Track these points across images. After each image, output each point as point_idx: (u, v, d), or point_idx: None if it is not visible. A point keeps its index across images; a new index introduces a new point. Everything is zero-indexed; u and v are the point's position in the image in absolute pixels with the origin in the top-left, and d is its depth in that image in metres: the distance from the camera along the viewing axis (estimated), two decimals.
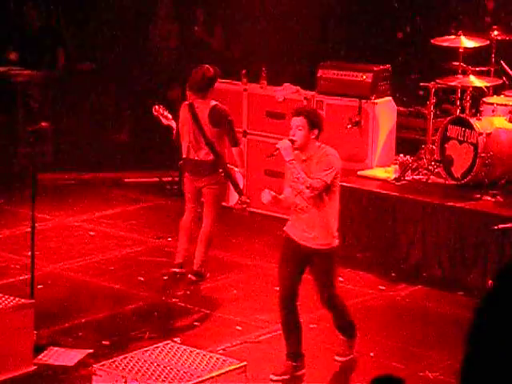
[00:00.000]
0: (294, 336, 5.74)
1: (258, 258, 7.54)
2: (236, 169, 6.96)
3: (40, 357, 5.60)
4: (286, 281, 5.72)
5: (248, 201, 7.02)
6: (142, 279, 6.97)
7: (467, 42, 7.48)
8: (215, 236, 6.98)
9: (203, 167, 6.78)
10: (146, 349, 5.16)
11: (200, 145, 6.82)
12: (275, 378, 5.63)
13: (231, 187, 6.94)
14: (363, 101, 8.06)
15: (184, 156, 6.89)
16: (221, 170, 6.81)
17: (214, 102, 6.95)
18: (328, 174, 5.55)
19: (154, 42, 10.70)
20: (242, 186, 7.02)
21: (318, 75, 8.34)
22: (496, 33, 7.64)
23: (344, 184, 7.68)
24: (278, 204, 5.74)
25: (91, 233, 8.04)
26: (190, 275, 6.78)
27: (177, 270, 6.80)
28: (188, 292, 6.75)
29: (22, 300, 5.34)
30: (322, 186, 5.54)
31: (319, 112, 5.90)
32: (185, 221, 6.91)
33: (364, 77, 8.12)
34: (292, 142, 5.56)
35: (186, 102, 6.98)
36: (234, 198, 6.95)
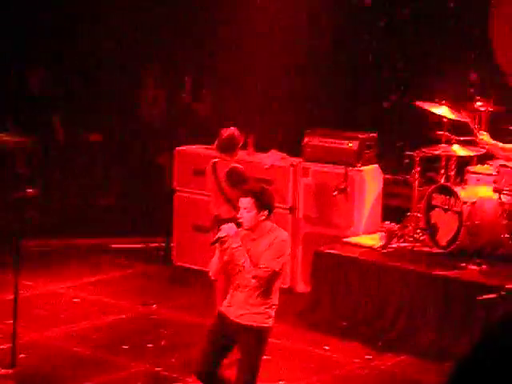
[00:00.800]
0: None
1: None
2: None
3: None
4: (204, 353, 5.44)
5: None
6: (127, 347, 6.89)
7: (450, 114, 7.58)
8: None
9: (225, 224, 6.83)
10: None
11: (220, 201, 7.03)
12: None
13: None
14: (349, 168, 8.11)
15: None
16: None
17: (234, 164, 7.15)
18: (278, 261, 5.34)
19: (142, 106, 10.79)
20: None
21: (304, 142, 8.41)
22: (479, 103, 7.75)
23: (329, 251, 7.71)
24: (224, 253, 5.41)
25: (75, 300, 7.97)
26: None
27: None
28: (173, 360, 6.68)
29: (3, 370, 5.26)
30: (269, 275, 5.32)
31: (269, 191, 5.60)
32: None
33: (350, 144, 8.19)
34: (239, 224, 5.35)
35: (212, 161, 7.26)
36: None
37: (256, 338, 5.38)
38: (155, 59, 10.81)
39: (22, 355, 6.37)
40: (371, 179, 8.25)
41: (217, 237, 5.39)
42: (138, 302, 7.87)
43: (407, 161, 8.21)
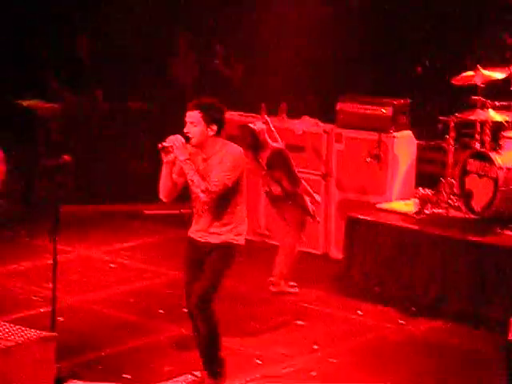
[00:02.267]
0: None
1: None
2: None
3: None
4: (188, 285, 5.36)
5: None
6: (162, 311, 6.99)
7: (486, 76, 7.50)
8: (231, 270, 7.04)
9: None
10: (165, 382, 5.19)
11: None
12: None
13: None
14: (382, 134, 8.09)
15: None
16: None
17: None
18: (229, 175, 5.07)
19: (174, 75, 10.81)
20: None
21: (338, 108, 8.40)
22: None
23: (362, 217, 7.72)
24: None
25: (111, 265, 8.09)
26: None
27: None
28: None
29: (44, 333, 5.37)
30: (219, 189, 5.05)
31: (219, 105, 5.23)
32: None
33: (383, 110, 8.16)
34: (187, 139, 5.06)
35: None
36: None
37: (221, 252, 5.22)
38: (187, 27, 10.81)
39: (60, 319, 6.49)
40: (405, 145, 8.22)
41: (161, 146, 5.13)
42: (173, 268, 7.96)
43: (441, 126, 8.17)
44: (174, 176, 5.30)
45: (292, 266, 7.43)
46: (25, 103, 9.85)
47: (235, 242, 5.27)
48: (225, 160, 5.09)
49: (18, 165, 9.39)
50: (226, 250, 5.27)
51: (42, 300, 6.92)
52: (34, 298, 7.13)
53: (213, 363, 5.31)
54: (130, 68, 10.42)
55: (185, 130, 5.10)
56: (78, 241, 8.59)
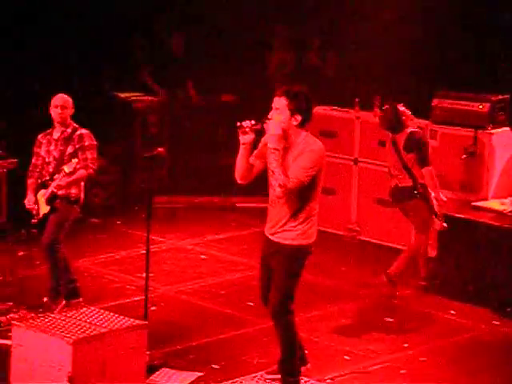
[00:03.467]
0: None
1: (367, 287, 7.49)
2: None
3: (152, 377, 5.73)
4: (262, 288, 5.23)
5: None
6: (252, 304, 7.03)
7: None
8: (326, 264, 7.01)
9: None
10: (254, 374, 5.22)
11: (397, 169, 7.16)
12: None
13: None
14: (479, 131, 7.93)
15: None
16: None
17: (412, 129, 7.25)
18: (307, 173, 4.88)
19: (271, 69, 10.84)
20: None
21: (433, 104, 8.27)
22: None
23: (458, 215, 7.58)
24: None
25: (203, 256, 8.18)
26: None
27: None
28: (297, 319, 6.77)
29: (137, 321, 5.48)
30: (295, 186, 4.85)
31: (308, 96, 5.02)
32: None
33: (481, 106, 8.00)
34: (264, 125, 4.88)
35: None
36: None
37: (287, 257, 5.01)
38: (283, 21, 10.82)
39: (153, 308, 6.62)
40: (502, 142, 8.04)
41: (239, 124, 4.97)
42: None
43: None
44: (252, 159, 5.13)
45: (406, 266, 7.24)
46: (122, 95, 10.04)
47: (299, 243, 5.07)
48: (305, 155, 4.92)
49: (116, 156, 9.61)
50: (292, 256, 5.08)
51: (136, 289, 7.07)
52: (128, 287, 7.28)
53: (287, 370, 5.22)
54: (223, 62, 10.50)
55: (269, 116, 4.96)
56: (171, 232, 8.73)
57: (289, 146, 4.94)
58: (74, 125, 6.65)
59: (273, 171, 4.91)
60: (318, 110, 9.08)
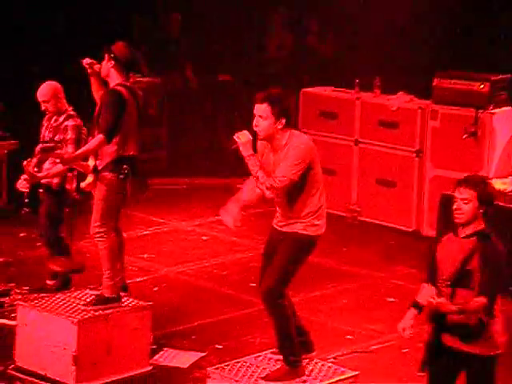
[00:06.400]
0: None
1: (368, 267, 7.51)
2: None
3: (155, 358, 5.75)
4: (262, 270, 5.19)
5: None
6: (254, 285, 7.04)
7: None
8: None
9: None
10: (258, 354, 5.24)
11: None
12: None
13: None
14: (480, 111, 7.92)
15: None
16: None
17: None
18: (294, 170, 4.88)
19: (269, 52, 10.81)
20: None
21: (434, 84, 8.26)
22: None
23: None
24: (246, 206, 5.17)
25: (204, 237, 8.19)
26: None
27: None
28: (297, 299, 6.80)
29: (141, 302, 5.49)
30: (285, 185, 4.89)
31: (286, 96, 5.16)
32: None
33: (481, 86, 7.98)
34: (254, 134, 4.93)
35: None
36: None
37: (293, 242, 5.04)
38: (282, 2, 10.78)
39: (155, 288, 6.63)
40: (503, 122, 8.03)
41: (233, 147, 5.00)
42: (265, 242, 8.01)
43: None
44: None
45: None
46: None
47: (307, 233, 5.08)
48: (290, 154, 4.95)
49: None
50: (297, 242, 5.09)
51: (138, 270, 7.08)
52: (130, 267, 7.28)
53: (286, 352, 5.08)
54: (221, 43, 10.46)
55: (254, 124, 4.98)
56: (171, 213, 8.73)
57: (276, 149, 5.02)
58: (69, 112, 6.51)
59: (257, 177, 4.99)
60: (319, 90, 9.10)
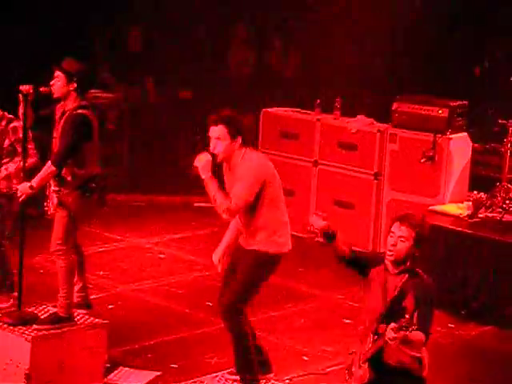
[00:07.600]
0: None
1: (326, 288, 7.53)
2: None
3: (110, 376, 5.68)
4: (222, 287, 5.34)
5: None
6: (211, 304, 7.01)
7: None
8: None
9: None
10: (215, 374, 5.21)
11: None
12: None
13: None
14: (438, 135, 8.03)
15: None
16: None
17: None
18: (249, 190, 4.94)
19: (231, 69, 10.84)
20: None
21: (393, 108, 8.35)
22: None
23: None
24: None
25: (161, 255, 8.15)
26: None
27: None
28: (255, 319, 6.78)
29: (96, 320, 5.43)
30: (240, 206, 4.94)
31: (239, 116, 5.22)
32: None
33: (440, 111, 8.09)
34: (213, 155, 4.94)
35: None
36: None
37: (252, 260, 5.10)
38: (244, 20, 10.84)
39: (110, 306, 6.56)
40: (460, 147, 8.15)
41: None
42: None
43: (498, 129, 8.07)
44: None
45: None
46: None
47: (267, 251, 5.15)
48: (243, 174, 4.99)
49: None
50: (257, 260, 5.15)
51: (93, 287, 6.99)
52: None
53: (243, 370, 5.19)
54: (180, 58, 10.47)
55: (211, 146, 5.03)
56: (129, 230, 8.67)
57: (233, 168, 5.05)
58: (9, 116, 6.41)
59: (214, 200, 5.00)
60: (280, 111, 9.13)
